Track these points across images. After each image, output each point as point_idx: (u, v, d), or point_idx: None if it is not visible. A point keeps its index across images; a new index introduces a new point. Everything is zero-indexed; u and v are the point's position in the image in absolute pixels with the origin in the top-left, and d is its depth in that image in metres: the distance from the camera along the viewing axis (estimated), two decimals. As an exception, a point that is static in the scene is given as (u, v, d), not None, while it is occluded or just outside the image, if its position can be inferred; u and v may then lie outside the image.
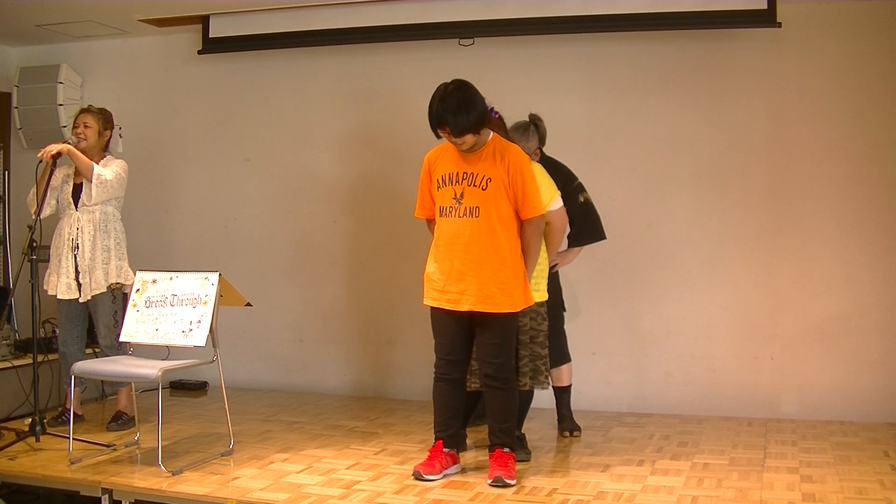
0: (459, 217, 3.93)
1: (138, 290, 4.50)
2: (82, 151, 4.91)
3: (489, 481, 3.89)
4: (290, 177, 6.19)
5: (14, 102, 6.47)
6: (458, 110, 3.80)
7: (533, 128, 4.65)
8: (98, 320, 4.90)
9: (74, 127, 4.93)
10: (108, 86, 6.49)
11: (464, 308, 3.93)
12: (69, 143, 4.81)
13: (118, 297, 4.91)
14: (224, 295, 4.40)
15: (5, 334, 5.42)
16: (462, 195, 3.93)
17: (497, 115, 4.20)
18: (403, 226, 5.41)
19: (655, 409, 5.36)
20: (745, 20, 5.02)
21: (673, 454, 4.41)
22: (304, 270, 6.17)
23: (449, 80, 3.93)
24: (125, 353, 4.59)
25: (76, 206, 4.86)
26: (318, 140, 6.13)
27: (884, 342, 5.07)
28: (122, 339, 4.49)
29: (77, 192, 4.88)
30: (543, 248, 4.26)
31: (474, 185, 3.92)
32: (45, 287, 4.91)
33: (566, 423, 4.89)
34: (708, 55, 5.33)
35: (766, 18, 4.94)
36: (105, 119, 4.98)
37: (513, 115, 4.58)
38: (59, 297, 4.86)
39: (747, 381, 5.27)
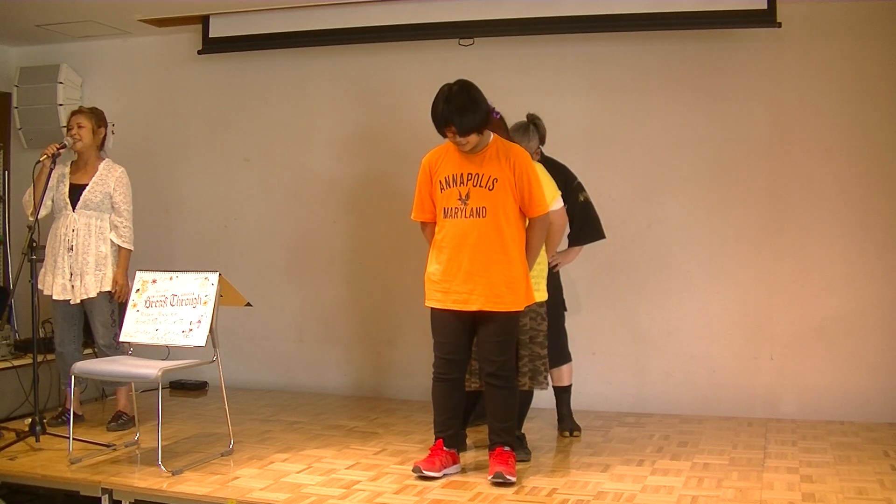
0: (465, 218, 3.94)
1: (138, 290, 4.50)
2: (78, 152, 4.91)
3: (490, 477, 3.89)
4: (290, 177, 6.19)
5: (14, 102, 6.47)
6: (464, 110, 3.82)
7: (533, 127, 4.66)
8: (94, 320, 4.89)
9: (68, 129, 4.93)
10: (108, 86, 6.49)
11: (472, 308, 3.94)
12: (66, 143, 4.81)
13: (114, 297, 4.91)
14: (224, 295, 4.40)
15: (5, 334, 5.42)
16: (468, 196, 3.94)
17: (498, 116, 4.21)
18: (404, 226, 5.39)
19: (655, 409, 5.36)
20: (745, 20, 5.02)
21: (673, 454, 4.41)
22: (304, 270, 6.17)
23: (451, 81, 3.94)
24: (125, 353, 4.59)
25: (73, 208, 4.86)
26: (318, 140, 6.13)
27: (884, 342, 5.07)
28: (121, 339, 4.50)
29: (74, 193, 4.87)
30: (543, 247, 4.27)
31: (480, 186, 3.93)
32: (39, 286, 4.92)
33: (566, 422, 4.89)
34: (708, 55, 5.33)
35: (766, 18, 4.94)
36: (97, 117, 4.98)
37: (513, 116, 4.58)
38: (54, 297, 4.86)
39: (747, 381, 5.28)
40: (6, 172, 6.63)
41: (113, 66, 6.52)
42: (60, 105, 6.33)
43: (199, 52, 6.07)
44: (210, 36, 6.00)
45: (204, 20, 5.99)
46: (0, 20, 5.93)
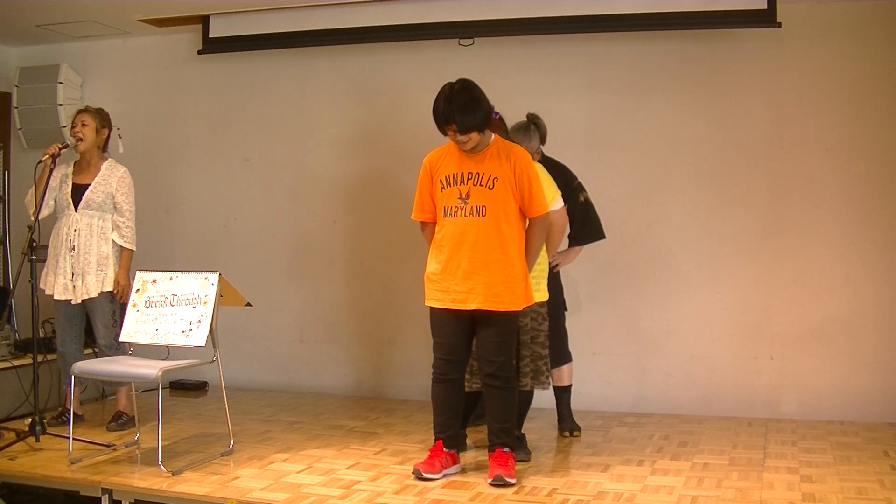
0: (465, 216, 3.94)
1: (138, 290, 4.50)
2: (81, 152, 4.92)
3: (489, 480, 3.89)
4: (291, 177, 6.19)
5: (14, 102, 6.47)
6: (465, 108, 3.83)
7: (533, 127, 4.66)
8: (96, 320, 4.89)
9: (72, 127, 4.94)
10: (108, 86, 6.49)
11: (471, 307, 3.94)
12: (68, 143, 4.82)
13: (116, 297, 4.91)
14: (224, 295, 4.40)
15: (5, 334, 5.42)
16: (468, 195, 3.94)
17: (498, 117, 4.21)
18: (403, 225, 5.39)
19: (655, 409, 5.36)
20: (745, 20, 5.02)
21: (673, 454, 4.41)
22: (304, 270, 6.17)
23: (453, 80, 3.94)
24: (125, 353, 4.59)
25: (76, 208, 4.86)
26: (319, 140, 6.13)
27: (884, 342, 5.07)
28: (122, 339, 4.50)
29: (76, 192, 4.88)
30: (543, 247, 4.27)
31: (480, 185, 3.94)
32: (41, 286, 4.92)
33: (566, 423, 4.89)
34: (708, 55, 5.33)
35: (766, 18, 4.94)
36: (102, 118, 4.99)
37: (513, 116, 4.58)
38: (55, 297, 4.86)
39: (747, 381, 5.28)
40: (6, 172, 6.63)
41: (113, 66, 6.52)
42: (60, 105, 6.33)
43: (199, 52, 6.07)
44: (210, 36, 6.00)
45: (204, 20, 5.99)
46: (0, 20, 5.93)
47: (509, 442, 4.02)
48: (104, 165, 4.95)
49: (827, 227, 5.18)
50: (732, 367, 5.30)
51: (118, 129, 5.09)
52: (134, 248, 4.95)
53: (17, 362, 5.30)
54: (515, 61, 5.62)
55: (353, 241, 6.07)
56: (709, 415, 5.23)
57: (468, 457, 4.35)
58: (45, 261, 4.95)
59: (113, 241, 4.90)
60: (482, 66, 5.22)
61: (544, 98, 5.34)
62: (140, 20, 5.96)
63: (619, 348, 5.50)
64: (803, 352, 5.20)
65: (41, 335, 5.37)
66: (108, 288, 4.85)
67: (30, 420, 4.48)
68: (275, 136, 6.22)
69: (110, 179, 4.91)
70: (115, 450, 4.47)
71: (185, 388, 6.13)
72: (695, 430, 4.92)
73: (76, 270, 4.84)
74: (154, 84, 6.44)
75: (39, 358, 4.71)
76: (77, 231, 4.84)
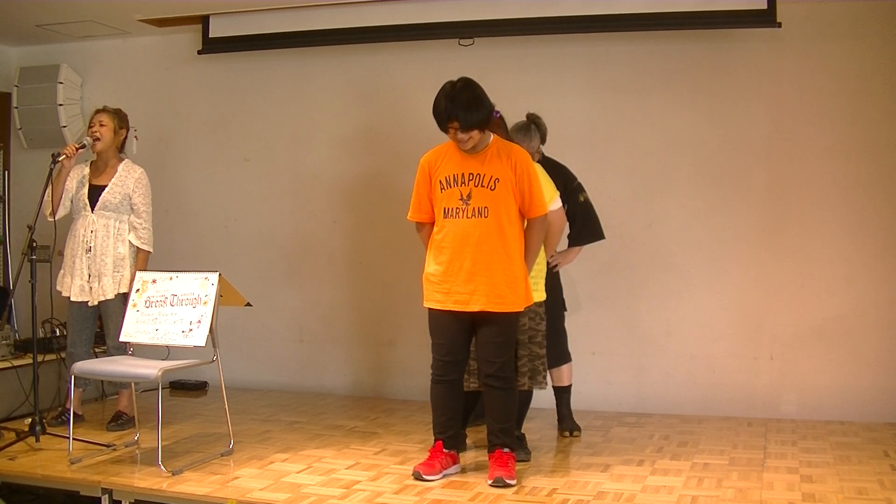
0: (467, 218, 3.93)
1: (138, 290, 4.51)
2: (98, 151, 4.91)
3: (489, 481, 3.89)
4: (291, 177, 6.19)
5: (14, 102, 6.47)
6: (469, 106, 3.83)
7: (534, 127, 4.66)
8: (109, 322, 4.89)
9: (90, 126, 4.92)
10: (108, 86, 6.49)
11: (474, 309, 3.93)
12: (85, 143, 4.82)
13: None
14: (224, 295, 4.41)
15: (5, 334, 5.42)
16: (469, 196, 3.94)
17: (498, 115, 4.21)
18: (403, 226, 5.38)
19: (655, 409, 5.36)
20: (745, 20, 5.03)
21: (673, 454, 4.41)
22: (304, 270, 6.17)
23: (454, 79, 3.94)
24: (125, 353, 4.59)
25: (92, 209, 4.86)
26: (319, 140, 6.13)
27: (884, 342, 5.07)
28: (122, 338, 4.49)
29: (93, 194, 4.87)
30: (542, 247, 4.27)
31: (482, 186, 3.93)
32: (58, 288, 4.92)
33: (566, 422, 4.89)
34: (708, 55, 5.33)
35: (766, 18, 4.94)
36: (120, 118, 4.99)
37: (513, 116, 4.59)
38: (71, 298, 4.86)
39: (747, 381, 5.28)
40: (6, 172, 6.63)
41: (113, 66, 6.52)
42: (60, 105, 6.33)
43: (199, 52, 6.07)
44: (210, 36, 6.00)
45: (204, 20, 5.99)
46: (0, 20, 5.93)
47: (509, 442, 4.02)
48: (121, 166, 4.95)
49: (827, 227, 5.18)
50: (732, 367, 5.30)
51: (135, 130, 5.09)
52: (150, 250, 4.95)
53: (17, 362, 5.30)
54: (515, 61, 5.62)
55: (353, 241, 6.07)
56: (709, 415, 5.23)
57: (468, 457, 4.35)
58: (46, 261, 4.94)
59: (129, 242, 4.90)
60: (482, 66, 5.21)
61: (545, 98, 5.34)
62: (140, 20, 5.96)
63: (619, 348, 5.50)
64: (803, 352, 5.20)
65: (41, 335, 5.37)
66: (124, 290, 4.84)
67: (30, 420, 4.47)
68: (275, 136, 6.22)
69: (127, 181, 4.91)
70: (115, 450, 4.47)
71: (185, 388, 6.13)
72: (695, 430, 4.92)
73: (93, 272, 4.83)
74: (154, 84, 6.44)
75: (39, 358, 4.71)
76: (94, 232, 4.84)
